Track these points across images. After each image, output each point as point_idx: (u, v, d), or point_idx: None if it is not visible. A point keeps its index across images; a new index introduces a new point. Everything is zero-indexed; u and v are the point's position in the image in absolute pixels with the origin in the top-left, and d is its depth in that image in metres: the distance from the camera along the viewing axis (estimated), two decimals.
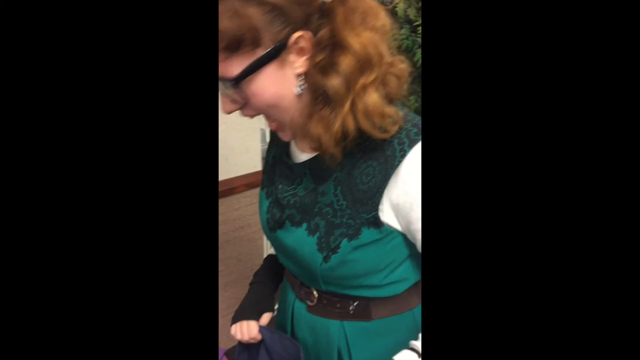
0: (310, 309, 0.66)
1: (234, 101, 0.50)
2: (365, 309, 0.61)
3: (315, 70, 0.47)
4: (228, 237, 1.42)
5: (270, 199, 0.64)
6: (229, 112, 0.51)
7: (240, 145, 1.39)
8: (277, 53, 0.46)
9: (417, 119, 0.52)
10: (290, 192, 0.59)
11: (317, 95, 0.49)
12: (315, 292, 0.63)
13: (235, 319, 0.68)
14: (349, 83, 0.47)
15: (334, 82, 0.47)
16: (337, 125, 0.48)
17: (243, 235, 1.47)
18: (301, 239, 0.57)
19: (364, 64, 0.47)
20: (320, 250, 0.55)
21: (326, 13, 0.47)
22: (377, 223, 0.53)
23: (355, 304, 0.61)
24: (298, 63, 0.47)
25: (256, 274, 0.77)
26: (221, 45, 0.44)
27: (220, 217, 1.37)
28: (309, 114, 0.50)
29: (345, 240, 0.54)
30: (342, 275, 0.57)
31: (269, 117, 0.53)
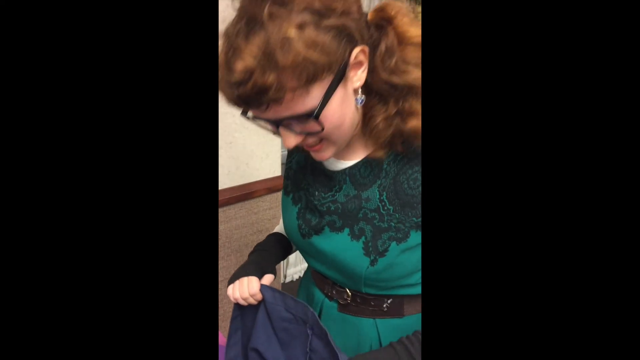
0: (342, 309, 0.66)
1: (298, 134, 0.49)
2: (398, 306, 0.61)
3: (395, 75, 0.49)
4: (246, 241, 1.44)
5: (299, 205, 0.64)
6: (294, 146, 0.51)
7: (260, 150, 1.41)
8: (343, 74, 0.46)
9: None
10: (329, 199, 0.60)
11: (401, 93, 0.50)
12: (348, 291, 0.63)
13: (233, 279, 0.65)
14: None
15: (415, 75, 0.49)
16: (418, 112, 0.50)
17: (261, 239, 1.48)
18: (343, 244, 0.58)
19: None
20: (367, 254, 0.56)
21: (385, 22, 0.49)
22: None
23: (389, 301, 0.61)
24: (356, 77, 0.48)
25: (258, 245, 0.76)
26: (302, 79, 0.42)
27: (239, 221, 1.39)
28: (399, 112, 0.51)
29: (394, 244, 0.54)
30: (387, 277, 0.57)
31: (324, 140, 0.52)
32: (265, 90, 0.42)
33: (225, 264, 1.40)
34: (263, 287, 0.62)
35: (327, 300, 0.68)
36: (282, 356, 0.62)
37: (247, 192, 1.37)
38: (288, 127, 0.48)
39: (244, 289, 0.62)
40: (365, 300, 0.62)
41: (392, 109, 0.50)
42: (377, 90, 0.51)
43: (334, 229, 0.59)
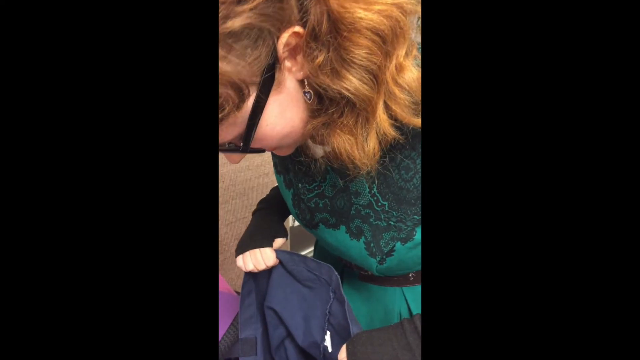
0: (364, 279, 0.59)
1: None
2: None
3: (323, 74, 0.34)
4: (252, 184, 1.40)
5: (291, 191, 0.56)
6: (238, 162, 0.41)
7: None
8: (270, 81, 0.34)
9: None
10: (315, 193, 0.51)
11: (333, 102, 0.36)
12: None
13: (242, 249, 0.59)
14: (375, 75, 0.34)
15: (354, 84, 0.34)
16: (372, 140, 0.37)
17: (267, 182, 1.44)
18: (344, 242, 0.50)
19: (389, 40, 0.33)
20: (372, 255, 0.48)
21: None
22: None
23: (414, 271, 0.55)
24: (296, 67, 0.35)
25: (261, 202, 0.69)
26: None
27: (243, 163, 1.34)
28: (327, 124, 0.38)
29: (398, 244, 0.46)
30: (402, 268, 0.50)
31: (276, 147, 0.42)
32: None
33: (231, 208, 1.37)
34: (279, 253, 0.58)
35: (347, 268, 0.62)
36: (298, 315, 0.59)
37: None
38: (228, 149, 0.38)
39: (260, 262, 0.56)
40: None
41: (322, 118, 0.38)
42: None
43: (329, 225, 0.51)
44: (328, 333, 0.56)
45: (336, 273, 0.52)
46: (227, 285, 0.87)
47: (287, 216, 0.68)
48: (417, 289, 0.56)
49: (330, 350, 0.55)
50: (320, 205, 0.50)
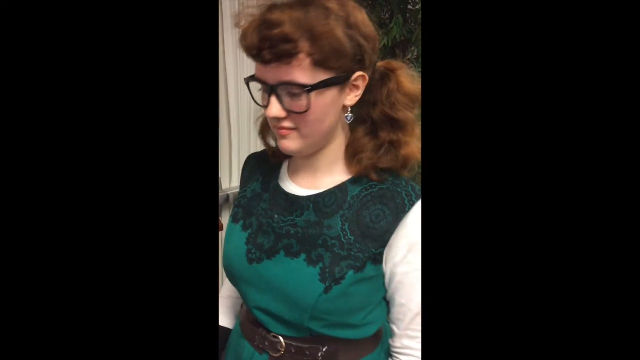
0: None
1: (284, 108, 0.54)
2: (333, 355, 0.61)
3: (390, 107, 0.59)
4: None
5: (249, 231, 0.64)
6: (274, 116, 0.54)
7: None
8: (344, 80, 0.54)
9: (417, 187, 0.60)
10: (288, 222, 0.61)
11: (382, 130, 0.60)
12: (282, 341, 0.62)
13: None
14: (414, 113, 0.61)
15: (403, 114, 0.59)
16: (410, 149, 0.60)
17: None
18: (297, 269, 0.58)
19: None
20: (322, 280, 0.56)
21: (389, 71, 0.60)
22: (379, 260, 0.57)
23: (324, 349, 0.61)
24: (350, 96, 0.57)
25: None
26: (318, 53, 0.50)
27: None
28: (375, 145, 0.59)
29: (351, 272, 0.56)
30: (336, 308, 0.57)
31: (296, 130, 0.56)
32: (287, 39, 0.48)
33: None
34: None
35: (257, 354, 0.65)
36: None
37: None
38: (279, 97, 0.53)
39: None
40: (299, 350, 0.61)
41: (385, 139, 0.59)
42: (375, 119, 0.60)
43: (289, 253, 0.59)
44: None
45: None
46: None
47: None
48: None
49: None
50: (292, 232, 0.60)
